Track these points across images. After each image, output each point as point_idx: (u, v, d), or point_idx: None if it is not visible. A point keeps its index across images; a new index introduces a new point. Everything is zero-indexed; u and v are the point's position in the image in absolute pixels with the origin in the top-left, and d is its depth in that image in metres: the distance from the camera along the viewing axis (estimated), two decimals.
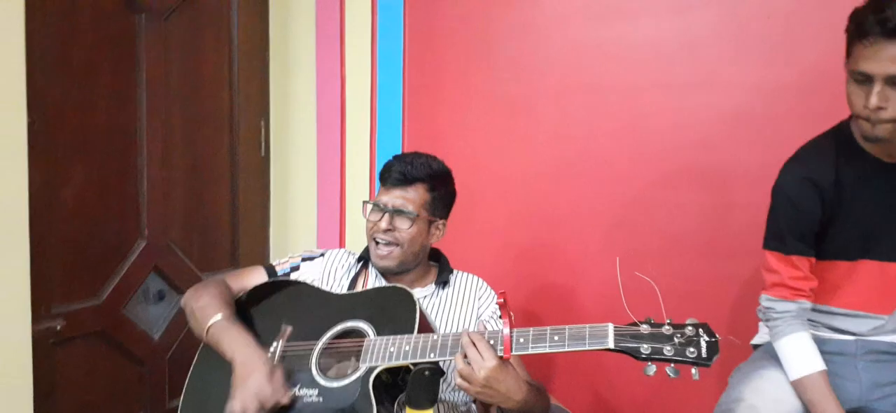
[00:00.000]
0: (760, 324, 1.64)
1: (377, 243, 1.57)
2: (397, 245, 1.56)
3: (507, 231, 2.30)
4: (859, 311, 1.47)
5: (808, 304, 1.45)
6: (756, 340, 1.66)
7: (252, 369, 1.34)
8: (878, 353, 1.48)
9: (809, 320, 1.51)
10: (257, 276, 1.65)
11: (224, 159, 2.44)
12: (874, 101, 1.25)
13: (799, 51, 1.83)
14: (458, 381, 1.25)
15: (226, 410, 1.33)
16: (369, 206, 1.61)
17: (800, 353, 1.41)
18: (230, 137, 2.45)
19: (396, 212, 1.56)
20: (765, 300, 1.48)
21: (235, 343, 1.41)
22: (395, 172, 1.57)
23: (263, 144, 2.56)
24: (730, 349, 1.77)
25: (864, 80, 1.27)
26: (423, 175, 1.59)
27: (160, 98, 2.17)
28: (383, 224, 1.55)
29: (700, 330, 1.13)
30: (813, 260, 1.45)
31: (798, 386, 1.41)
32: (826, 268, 1.46)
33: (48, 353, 1.91)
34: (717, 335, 1.13)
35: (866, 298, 1.46)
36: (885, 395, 1.45)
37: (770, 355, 1.51)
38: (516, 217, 2.28)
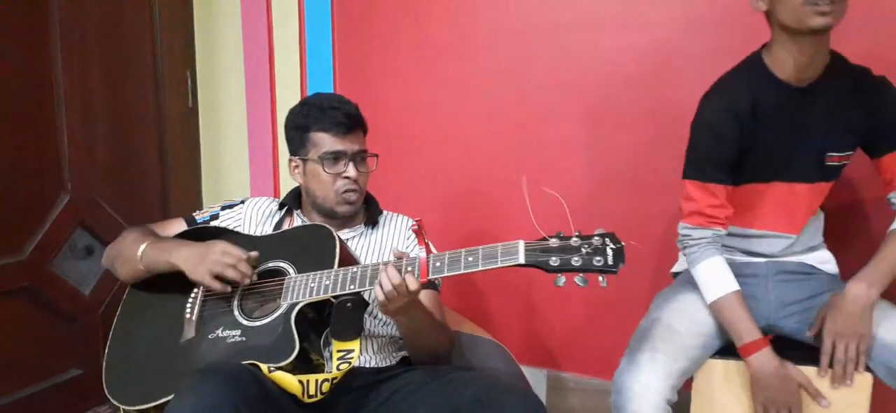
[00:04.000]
0: (680, 253, 1.69)
1: (340, 193, 1.52)
2: (359, 190, 1.55)
3: (439, 176, 2.30)
4: (771, 231, 1.54)
5: (722, 230, 1.49)
6: (675, 269, 1.71)
7: (210, 246, 1.37)
8: (786, 273, 1.55)
9: (726, 246, 1.57)
10: (177, 226, 1.62)
11: (149, 111, 2.38)
12: None
13: None
14: (379, 296, 1.26)
15: (198, 294, 1.40)
16: (328, 158, 1.51)
17: (715, 276, 1.46)
18: (155, 88, 2.39)
19: (360, 157, 1.54)
20: (682, 228, 1.52)
21: (177, 247, 1.42)
22: (344, 116, 1.52)
23: (190, 95, 2.50)
24: (654, 279, 1.84)
25: None
26: (362, 117, 1.58)
27: (76, 48, 2.10)
28: (352, 172, 1.51)
29: (606, 239, 1.16)
30: (729, 188, 1.49)
31: (714, 307, 1.47)
32: (742, 192, 1.51)
33: None
34: (622, 242, 1.16)
35: (777, 219, 1.52)
36: (789, 313, 1.53)
37: (688, 281, 1.56)
38: (448, 161, 2.29)
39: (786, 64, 1.40)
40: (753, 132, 1.44)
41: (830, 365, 1.40)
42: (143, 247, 1.45)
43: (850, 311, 1.38)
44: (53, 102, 2.06)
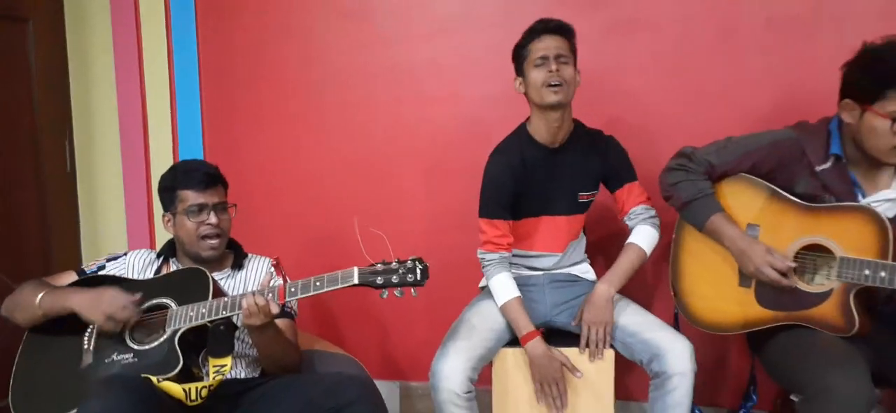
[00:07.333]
0: None
1: (205, 238, 1.87)
2: (222, 235, 1.89)
3: (297, 221, 2.72)
4: (544, 252, 2.08)
5: (507, 254, 2.01)
6: (482, 284, 2.21)
7: (101, 292, 1.68)
8: (558, 281, 2.09)
9: (515, 264, 2.09)
10: (69, 278, 1.90)
11: (30, 177, 2.62)
12: None
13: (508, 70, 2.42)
14: (245, 320, 1.65)
15: (94, 327, 1.68)
16: (193, 210, 1.85)
17: (503, 287, 1.97)
18: (34, 157, 2.63)
19: (220, 207, 1.89)
20: (479, 253, 2.03)
21: (72, 293, 1.72)
22: (204, 175, 1.88)
23: (68, 161, 2.75)
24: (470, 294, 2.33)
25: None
26: (220, 174, 1.95)
27: None
28: (213, 219, 1.86)
29: (416, 262, 1.63)
30: (510, 222, 2.01)
31: (502, 309, 1.97)
32: (521, 224, 2.05)
33: None
34: (427, 263, 1.63)
35: (547, 242, 2.07)
36: (560, 311, 2.07)
37: (489, 292, 2.06)
38: (305, 210, 2.71)
39: (541, 130, 1.96)
40: (523, 180, 1.98)
41: (588, 345, 1.94)
42: (41, 295, 1.74)
43: (598, 304, 1.93)
44: None
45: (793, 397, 1.70)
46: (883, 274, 1.58)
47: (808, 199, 1.74)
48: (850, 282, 1.64)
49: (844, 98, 1.68)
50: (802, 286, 1.72)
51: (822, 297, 1.69)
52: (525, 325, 1.93)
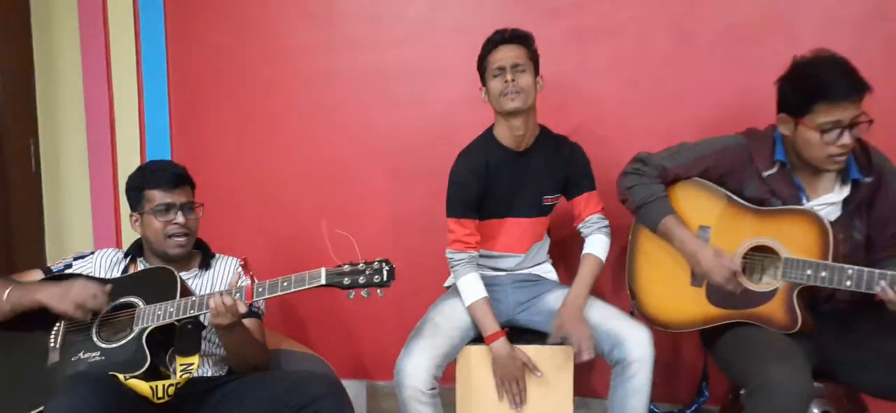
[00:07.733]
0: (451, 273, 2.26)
1: (172, 237, 1.89)
2: (189, 234, 1.91)
3: (268, 222, 2.75)
4: (508, 253, 2.14)
5: (475, 253, 2.07)
6: (447, 283, 2.27)
7: (70, 282, 1.69)
8: (520, 281, 2.16)
9: (480, 265, 2.15)
10: (35, 276, 1.90)
11: None
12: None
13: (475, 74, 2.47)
14: (211, 312, 1.67)
15: (61, 325, 1.70)
16: (160, 209, 1.87)
17: (470, 287, 2.03)
18: None
19: (187, 207, 1.91)
20: (448, 253, 2.08)
21: (41, 287, 1.72)
22: (171, 175, 1.90)
23: (34, 160, 2.73)
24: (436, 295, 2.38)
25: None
26: (188, 174, 1.97)
27: None
28: (181, 219, 1.89)
29: (383, 263, 1.67)
30: (477, 221, 2.07)
31: (470, 309, 2.03)
32: (487, 225, 2.10)
33: None
34: (394, 264, 1.67)
35: (510, 243, 2.13)
36: (523, 309, 2.13)
37: (453, 292, 2.12)
38: (275, 210, 2.73)
39: (506, 136, 2.03)
40: (488, 183, 2.03)
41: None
42: (8, 290, 1.74)
43: (578, 317, 1.96)
44: None
45: (742, 392, 1.78)
46: (823, 274, 1.67)
47: (756, 203, 1.83)
48: (793, 281, 1.73)
49: (780, 112, 1.77)
50: (750, 285, 1.81)
51: (769, 295, 1.78)
52: (491, 326, 1.99)
